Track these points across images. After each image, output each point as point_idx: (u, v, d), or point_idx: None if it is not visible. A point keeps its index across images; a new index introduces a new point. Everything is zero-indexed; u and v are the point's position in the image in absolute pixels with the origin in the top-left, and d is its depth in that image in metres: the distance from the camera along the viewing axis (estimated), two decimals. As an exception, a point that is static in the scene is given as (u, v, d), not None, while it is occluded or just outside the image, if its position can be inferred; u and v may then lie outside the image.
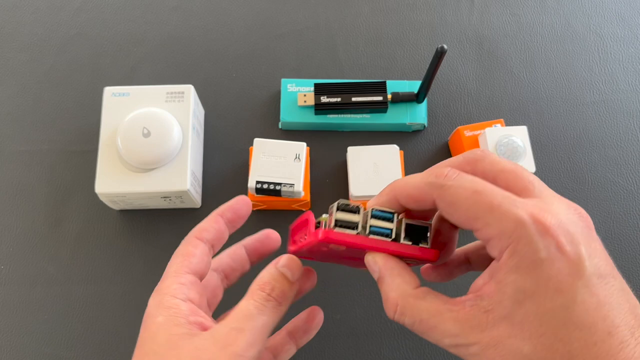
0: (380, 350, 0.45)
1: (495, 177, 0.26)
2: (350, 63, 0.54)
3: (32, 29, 0.54)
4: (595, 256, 0.23)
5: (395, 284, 0.27)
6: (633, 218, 0.48)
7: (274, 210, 0.48)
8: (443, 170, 0.26)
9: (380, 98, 0.49)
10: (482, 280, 0.25)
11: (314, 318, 0.34)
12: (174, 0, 0.56)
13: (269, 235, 0.35)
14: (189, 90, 0.46)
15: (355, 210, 0.28)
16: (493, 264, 0.24)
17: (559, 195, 0.26)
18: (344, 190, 0.49)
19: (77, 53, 0.54)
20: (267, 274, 0.29)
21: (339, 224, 0.28)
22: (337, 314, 0.45)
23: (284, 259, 0.30)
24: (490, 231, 0.24)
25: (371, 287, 0.46)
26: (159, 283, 0.30)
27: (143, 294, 0.47)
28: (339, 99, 0.49)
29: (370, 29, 0.55)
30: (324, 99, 0.49)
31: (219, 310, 0.34)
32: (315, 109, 0.49)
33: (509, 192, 0.24)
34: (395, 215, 0.28)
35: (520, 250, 0.23)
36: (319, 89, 0.49)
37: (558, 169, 0.50)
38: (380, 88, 0.49)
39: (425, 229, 0.29)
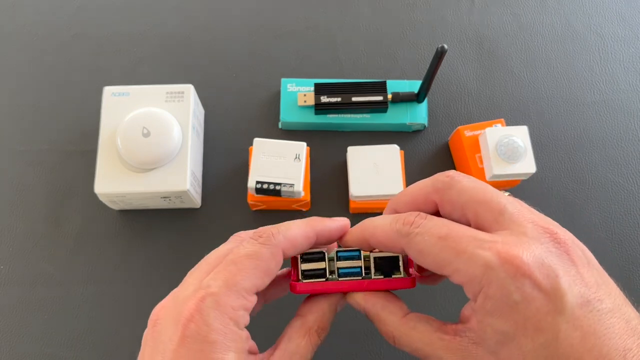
0: (380, 350, 0.44)
1: (463, 208, 0.25)
2: (350, 63, 0.54)
3: (31, 29, 0.54)
4: (576, 284, 0.23)
5: (384, 317, 0.27)
6: (633, 218, 0.48)
7: (274, 210, 0.48)
8: (409, 217, 0.25)
9: (380, 98, 0.49)
10: (468, 312, 0.25)
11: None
12: (174, 0, 0.56)
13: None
14: (189, 90, 0.46)
15: (319, 258, 0.29)
16: (469, 304, 0.25)
17: (533, 216, 0.25)
18: (344, 190, 0.48)
19: (76, 53, 0.54)
20: (328, 315, 0.28)
21: (307, 274, 0.29)
22: (337, 314, 0.45)
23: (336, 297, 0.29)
24: (460, 277, 0.24)
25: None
26: (219, 283, 0.24)
27: (143, 294, 0.48)
28: (339, 99, 0.49)
29: (370, 29, 0.55)
30: (324, 99, 0.49)
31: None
32: (316, 109, 0.49)
33: (475, 232, 0.24)
34: (361, 251, 0.29)
35: (493, 295, 0.22)
36: (319, 89, 0.49)
37: (558, 169, 0.50)
38: (380, 88, 0.49)
39: (396, 258, 0.29)
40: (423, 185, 0.27)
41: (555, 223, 0.25)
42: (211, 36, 0.54)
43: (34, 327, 0.44)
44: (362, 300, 0.28)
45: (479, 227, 0.25)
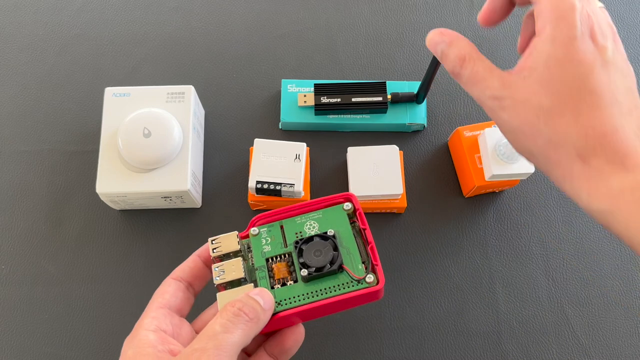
0: (380, 349, 0.45)
1: None
2: (350, 64, 0.54)
3: (33, 30, 0.55)
4: (618, 56, 0.30)
5: (464, 44, 0.32)
6: (632, 218, 0.49)
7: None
8: None
9: (380, 98, 0.49)
10: (523, 61, 0.30)
11: (289, 336, 0.33)
12: (175, 0, 0.56)
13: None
14: (190, 90, 0.47)
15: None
16: (533, 41, 0.30)
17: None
18: (344, 190, 0.49)
19: (78, 53, 0.54)
20: (237, 298, 0.29)
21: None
22: (337, 313, 0.45)
23: (256, 290, 0.30)
24: (547, 3, 0.29)
25: (371, 287, 0.46)
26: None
27: (143, 293, 0.48)
28: (338, 100, 0.49)
29: (370, 30, 0.55)
30: (324, 100, 0.49)
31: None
32: (315, 110, 0.49)
33: None
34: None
35: (562, 26, 0.28)
36: (319, 90, 0.49)
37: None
38: (380, 88, 0.49)
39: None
40: None
41: None
42: (212, 37, 0.55)
43: (34, 326, 0.45)
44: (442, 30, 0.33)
45: None
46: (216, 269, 0.32)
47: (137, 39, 0.54)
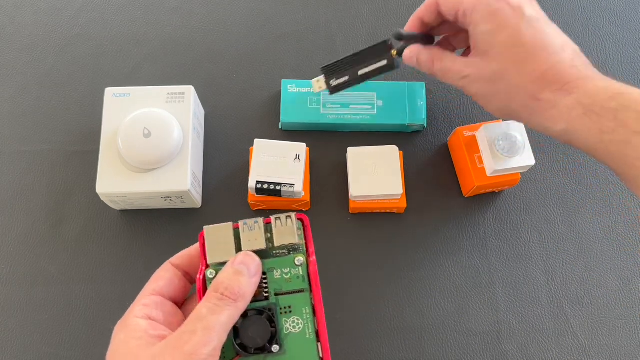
0: (380, 350, 0.45)
1: None
2: (350, 64, 0.54)
3: (33, 30, 0.55)
4: (533, 10, 0.37)
5: (429, 49, 0.41)
6: (632, 217, 0.49)
7: (274, 210, 0.48)
8: None
9: (384, 62, 0.44)
10: (472, 48, 0.39)
11: None
12: (175, 1, 0.56)
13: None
14: (190, 90, 0.47)
15: None
16: (471, 38, 0.39)
17: None
18: (344, 190, 0.49)
19: (78, 54, 0.54)
20: (222, 274, 0.30)
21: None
22: (337, 313, 0.45)
23: (240, 256, 0.30)
24: (466, 5, 0.38)
25: (371, 287, 0.46)
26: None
27: (144, 293, 0.47)
28: (347, 77, 0.45)
29: (369, 30, 0.55)
30: (334, 82, 0.46)
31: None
32: (330, 93, 0.46)
33: None
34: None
35: (481, 10, 0.37)
36: (328, 72, 0.46)
37: (557, 169, 0.50)
38: (381, 50, 0.44)
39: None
40: None
41: None
42: (212, 37, 0.55)
43: (34, 326, 0.45)
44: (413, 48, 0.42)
45: None
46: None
47: (137, 39, 0.54)
